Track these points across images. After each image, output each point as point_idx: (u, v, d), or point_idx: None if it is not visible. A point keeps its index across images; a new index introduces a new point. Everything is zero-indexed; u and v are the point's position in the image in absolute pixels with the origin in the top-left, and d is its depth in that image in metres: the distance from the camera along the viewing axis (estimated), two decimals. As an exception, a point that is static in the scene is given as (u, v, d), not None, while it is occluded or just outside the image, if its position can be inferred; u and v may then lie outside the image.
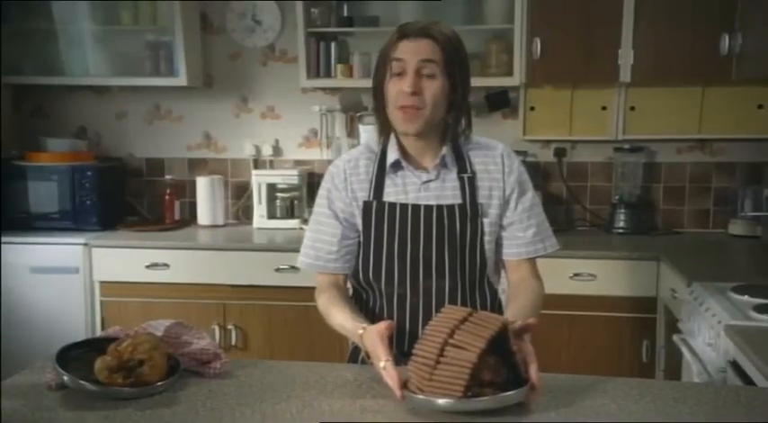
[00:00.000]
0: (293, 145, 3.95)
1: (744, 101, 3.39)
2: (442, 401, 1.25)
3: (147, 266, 3.41)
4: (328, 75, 3.68)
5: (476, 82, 3.51)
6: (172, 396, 1.41)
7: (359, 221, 1.71)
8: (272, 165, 3.96)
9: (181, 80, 3.70)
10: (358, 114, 3.83)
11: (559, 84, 3.54)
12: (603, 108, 3.56)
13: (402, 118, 1.62)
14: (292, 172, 3.76)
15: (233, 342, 3.37)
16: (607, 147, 3.69)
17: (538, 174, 3.70)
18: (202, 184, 3.78)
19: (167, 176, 3.93)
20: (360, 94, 3.78)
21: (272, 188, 3.75)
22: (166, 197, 3.84)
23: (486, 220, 1.69)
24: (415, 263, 1.67)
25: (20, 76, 3.79)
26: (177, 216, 3.87)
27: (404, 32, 1.63)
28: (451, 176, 1.69)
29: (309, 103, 3.86)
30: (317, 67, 3.68)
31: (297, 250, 3.25)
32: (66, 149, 3.75)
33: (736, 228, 3.50)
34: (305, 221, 3.72)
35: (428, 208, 1.67)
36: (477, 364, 1.25)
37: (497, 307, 1.75)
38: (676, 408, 1.33)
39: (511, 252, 1.73)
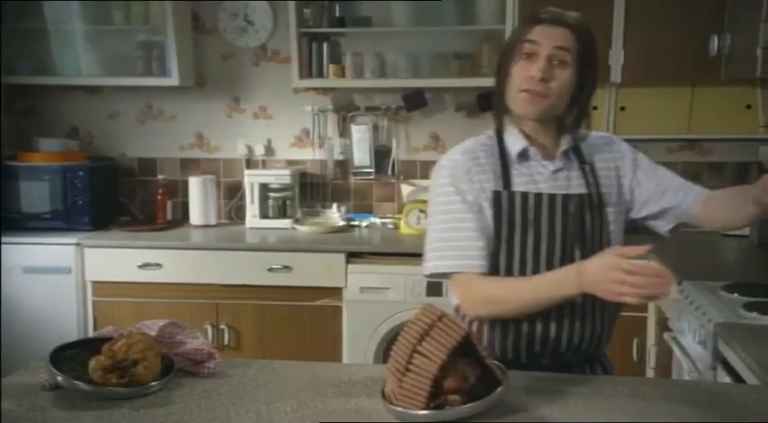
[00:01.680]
0: (285, 145, 3.96)
1: (732, 101, 3.42)
2: (409, 412, 1.25)
3: (140, 266, 3.41)
4: (320, 75, 3.69)
5: (467, 82, 3.60)
6: (166, 396, 1.42)
7: (488, 214, 1.59)
8: (264, 165, 3.97)
9: (173, 80, 3.71)
10: (350, 114, 3.85)
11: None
12: (594, 108, 3.57)
13: (524, 100, 1.57)
14: (285, 172, 3.77)
15: (225, 342, 3.38)
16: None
17: (529, 173, 3.72)
18: (195, 183, 3.78)
19: (159, 176, 3.93)
20: (352, 94, 3.80)
21: (264, 188, 3.76)
22: (159, 197, 3.84)
23: (609, 210, 1.64)
24: (550, 256, 1.58)
25: (12, 76, 3.77)
26: (169, 216, 3.87)
27: (540, 17, 1.58)
28: (574, 166, 1.64)
29: (301, 103, 3.88)
30: (310, 68, 3.69)
31: (289, 250, 3.39)
32: (59, 149, 3.75)
33: (725, 227, 3.53)
34: (297, 221, 3.74)
35: (565, 197, 1.60)
36: (439, 374, 1.25)
37: (610, 318, 1.68)
38: (667, 405, 1.34)
39: (692, 199, 1.67)
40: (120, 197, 4.02)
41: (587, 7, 3.27)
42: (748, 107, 3.40)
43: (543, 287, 1.47)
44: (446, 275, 1.60)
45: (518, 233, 1.58)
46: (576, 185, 1.62)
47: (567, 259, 1.57)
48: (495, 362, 1.37)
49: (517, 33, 1.61)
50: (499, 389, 1.29)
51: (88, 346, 1.53)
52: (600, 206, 1.63)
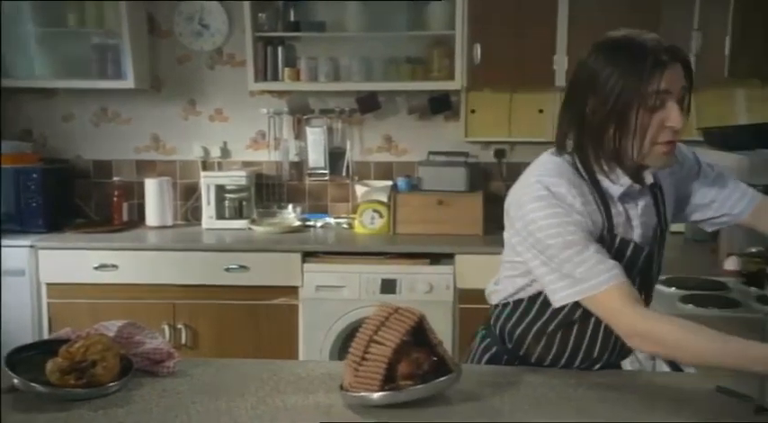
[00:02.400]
0: (241, 147, 4.02)
1: (670, 104, 3.58)
2: (364, 395, 1.32)
3: (96, 268, 3.43)
4: (276, 78, 3.75)
5: (419, 86, 3.71)
6: (125, 396, 1.43)
7: None
8: (220, 166, 4.01)
9: (129, 83, 3.73)
10: (305, 117, 3.92)
11: (499, 88, 3.69)
12: (540, 111, 3.71)
13: (665, 153, 1.42)
14: (241, 173, 3.82)
15: (183, 341, 3.43)
16: (544, 148, 3.74)
17: (478, 174, 3.85)
18: (151, 185, 3.81)
19: (115, 178, 3.94)
20: (307, 97, 3.88)
21: (220, 189, 3.80)
22: (114, 199, 3.86)
23: (667, 232, 1.61)
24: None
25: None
26: (125, 217, 3.89)
27: (663, 61, 1.38)
28: (649, 193, 1.55)
29: (257, 105, 3.93)
30: (265, 71, 3.75)
31: (246, 250, 3.47)
32: (11, 151, 3.73)
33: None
34: (253, 222, 3.80)
35: (649, 256, 1.54)
36: (393, 358, 1.32)
37: None
38: (611, 394, 1.43)
39: (744, 206, 1.62)
40: (75, 199, 4.02)
41: (533, 15, 3.46)
42: (682, 111, 3.56)
43: (738, 360, 1.28)
44: (592, 299, 1.39)
45: None
46: (652, 214, 1.55)
47: (648, 295, 1.56)
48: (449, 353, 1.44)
49: (640, 82, 1.37)
50: (451, 375, 1.37)
51: (44, 349, 1.52)
52: (662, 231, 1.58)
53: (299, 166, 3.99)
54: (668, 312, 2.18)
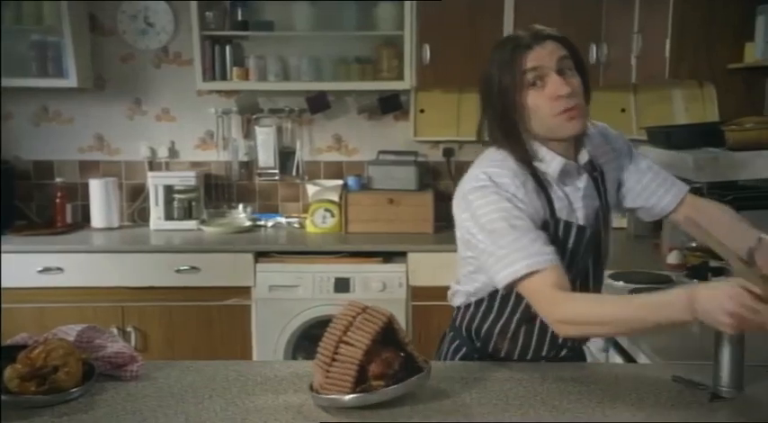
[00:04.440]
0: (189, 147, 3.96)
1: (610, 105, 3.68)
2: (336, 397, 1.33)
3: (40, 271, 3.35)
4: (224, 77, 3.72)
5: (368, 86, 3.74)
6: (89, 401, 1.40)
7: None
8: (167, 167, 3.96)
9: (70, 82, 3.64)
10: (254, 116, 3.90)
11: (447, 87, 3.74)
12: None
13: (566, 121, 1.49)
14: (189, 173, 3.77)
15: (133, 344, 3.36)
16: (492, 147, 3.92)
17: (428, 173, 3.90)
18: (96, 186, 3.73)
19: (58, 179, 3.84)
20: (256, 97, 3.85)
21: (168, 190, 3.75)
22: (57, 200, 3.76)
23: (610, 212, 1.67)
24: (582, 278, 1.60)
25: None
26: (69, 219, 3.79)
27: (525, 43, 1.49)
28: (593, 178, 1.62)
29: (205, 105, 3.89)
30: (213, 70, 3.71)
31: (196, 251, 3.42)
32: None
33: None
34: (203, 222, 3.76)
35: (592, 230, 1.59)
36: (364, 359, 1.33)
37: None
38: (576, 387, 1.47)
39: (668, 199, 1.69)
40: (14, 201, 3.90)
41: (477, 19, 3.53)
42: (623, 111, 3.68)
43: (651, 311, 1.33)
44: (521, 280, 1.43)
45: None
46: (595, 197, 1.61)
47: (581, 275, 1.59)
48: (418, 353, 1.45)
49: (507, 67, 1.49)
50: (421, 373, 1.39)
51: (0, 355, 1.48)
52: (606, 214, 1.65)
53: (248, 166, 3.96)
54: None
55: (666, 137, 2.52)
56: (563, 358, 1.68)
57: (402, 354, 1.41)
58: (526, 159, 1.54)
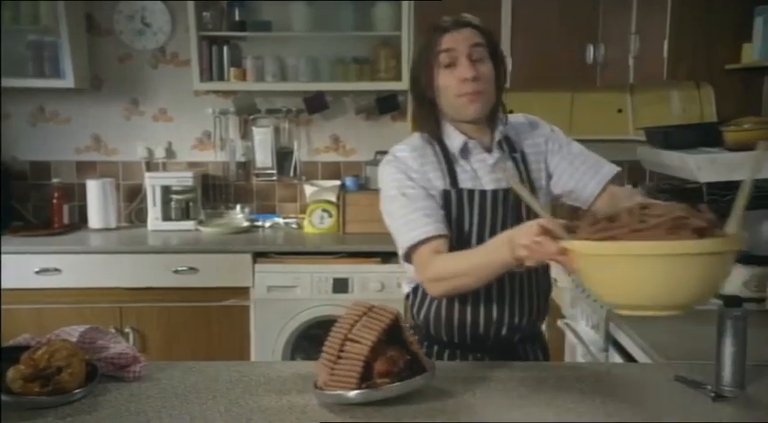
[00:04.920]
0: (186, 147, 3.96)
1: (607, 105, 3.70)
2: (341, 393, 1.33)
3: (37, 272, 3.34)
4: (221, 78, 3.71)
5: (366, 86, 3.74)
6: (93, 402, 1.40)
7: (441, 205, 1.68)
8: (164, 167, 3.95)
9: (67, 82, 3.63)
10: (252, 117, 3.90)
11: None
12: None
13: (466, 103, 1.63)
14: (187, 174, 3.77)
15: (131, 345, 3.36)
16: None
17: (426, 173, 3.90)
18: (93, 186, 3.72)
19: (55, 180, 3.82)
20: (253, 97, 3.85)
21: (166, 190, 3.75)
22: (54, 201, 3.75)
23: (540, 193, 1.75)
24: None
25: None
26: (66, 220, 3.78)
27: (444, 27, 1.65)
28: (508, 156, 1.73)
29: (202, 105, 3.89)
30: (210, 71, 3.70)
31: (194, 251, 3.41)
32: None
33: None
34: (201, 223, 3.75)
35: (505, 192, 1.69)
36: (370, 356, 1.34)
37: (544, 294, 1.81)
38: (578, 385, 1.48)
39: (591, 187, 1.75)
40: (11, 202, 3.89)
41: (476, 16, 3.52)
42: (619, 111, 3.69)
43: (487, 255, 1.49)
44: (412, 250, 1.61)
45: (465, 228, 1.68)
46: (512, 176, 1.71)
47: None
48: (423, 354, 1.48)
49: (429, 48, 1.65)
50: (426, 373, 1.40)
51: (2, 357, 1.47)
52: (532, 192, 1.70)
53: (245, 167, 3.96)
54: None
55: (665, 137, 2.53)
56: (489, 348, 1.74)
57: (407, 353, 1.42)
58: (435, 135, 1.71)
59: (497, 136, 1.71)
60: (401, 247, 1.64)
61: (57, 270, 3.35)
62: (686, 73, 2.72)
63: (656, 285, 1.17)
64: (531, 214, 1.68)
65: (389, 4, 3.64)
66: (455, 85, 1.63)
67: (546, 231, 1.32)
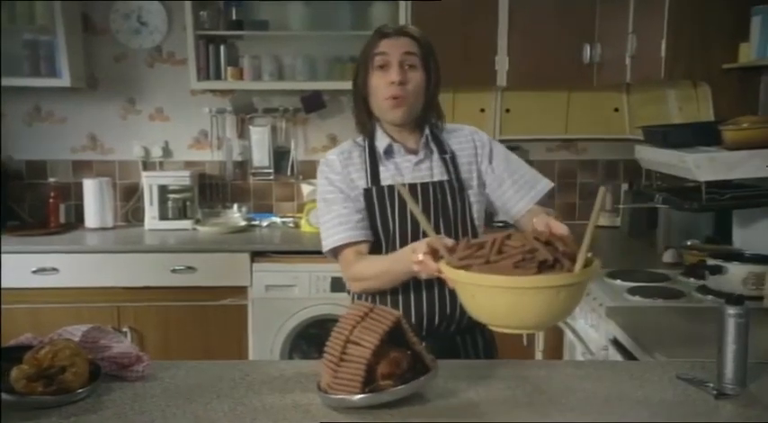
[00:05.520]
0: (183, 146, 3.96)
1: (603, 104, 3.72)
2: (345, 397, 1.33)
3: (34, 272, 3.33)
4: (218, 77, 3.71)
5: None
6: (96, 402, 1.40)
7: (362, 206, 1.80)
8: (161, 166, 3.94)
9: (63, 81, 3.62)
10: (249, 116, 3.90)
11: (441, 87, 3.72)
12: (482, 110, 3.79)
13: (391, 106, 1.76)
14: (183, 173, 3.76)
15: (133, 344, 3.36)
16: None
17: (423, 172, 3.90)
18: (89, 186, 3.71)
19: (51, 179, 3.82)
20: (250, 96, 3.85)
21: (163, 189, 3.74)
22: (50, 200, 3.74)
23: (471, 192, 1.84)
24: (416, 238, 1.72)
25: None
26: (63, 219, 3.77)
27: (384, 32, 1.79)
28: (435, 157, 1.83)
29: (199, 104, 3.88)
30: (207, 70, 3.70)
31: (192, 251, 3.40)
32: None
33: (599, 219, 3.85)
34: (198, 222, 3.75)
35: (423, 185, 1.80)
36: (372, 359, 1.34)
37: None
38: (581, 384, 1.49)
39: (519, 206, 1.85)
40: (7, 201, 3.87)
41: (475, 18, 3.54)
42: (616, 110, 3.70)
43: (393, 263, 1.66)
44: (337, 251, 1.78)
45: (389, 222, 1.79)
46: (438, 173, 1.82)
47: (446, 224, 1.78)
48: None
49: (367, 50, 1.79)
50: (430, 373, 1.40)
51: (3, 356, 1.47)
52: (461, 190, 1.83)
53: (242, 166, 3.96)
54: (616, 304, 2.28)
55: (663, 136, 2.54)
56: (459, 333, 1.82)
57: (410, 353, 1.42)
58: (368, 133, 1.83)
59: (422, 140, 1.82)
60: (331, 243, 1.79)
61: (54, 270, 3.34)
62: (683, 72, 2.74)
63: (504, 311, 1.32)
64: (459, 206, 1.81)
65: (387, 4, 3.64)
66: (383, 86, 1.75)
67: (432, 250, 1.44)
